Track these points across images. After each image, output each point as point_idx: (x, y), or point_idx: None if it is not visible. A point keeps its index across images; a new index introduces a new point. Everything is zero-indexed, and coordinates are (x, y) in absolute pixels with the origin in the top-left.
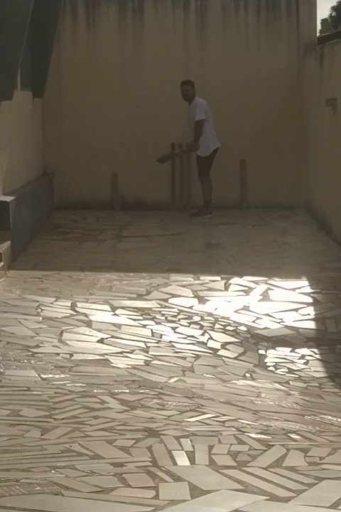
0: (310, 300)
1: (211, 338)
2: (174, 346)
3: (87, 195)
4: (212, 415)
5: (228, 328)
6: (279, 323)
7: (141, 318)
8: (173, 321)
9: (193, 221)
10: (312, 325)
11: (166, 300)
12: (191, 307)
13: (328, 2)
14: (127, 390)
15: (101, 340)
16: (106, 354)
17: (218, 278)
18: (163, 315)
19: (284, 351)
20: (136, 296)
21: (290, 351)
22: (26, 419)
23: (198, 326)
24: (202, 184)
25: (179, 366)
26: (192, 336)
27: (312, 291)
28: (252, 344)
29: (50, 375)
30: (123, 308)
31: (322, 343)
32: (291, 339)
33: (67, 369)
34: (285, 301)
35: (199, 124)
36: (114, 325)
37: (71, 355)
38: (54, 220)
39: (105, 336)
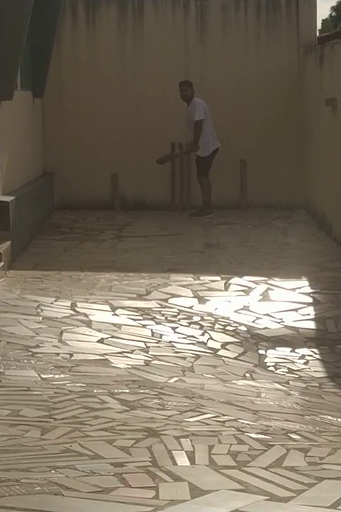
0: (310, 300)
1: (211, 338)
2: (174, 346)
3: (87, 195)
4: (212, 415)
5: (228, 328)
6: (279, 323)
7: (141, 318)
8: (173, 321)
9: (193, 221)
10: (312, 325)
11: (166, 300)
12: (191, 307)
13: (328, 2)
14: (127, 390)
15: (101, 340)
16: (106, 354)
17: (218, 278)
18: (163, 315)
19: (284, 351)
20: (136, 296)
21: (290, 351)
22: (26, 419)
23: (198, 326)
24: (200, 184)
25: (179, 366)
26: (192, 336)
27: (312, 291)
28: (252, 344)
29: (50, 375)
30: (123, 308)
31: (322, 343)
32: (291, 339)
33: (67, 369)
34: (285, 301)
35: (199, 124)
36: (114, 325)
37: (71, 355)
38: (54, 220)
39: (105, 335)
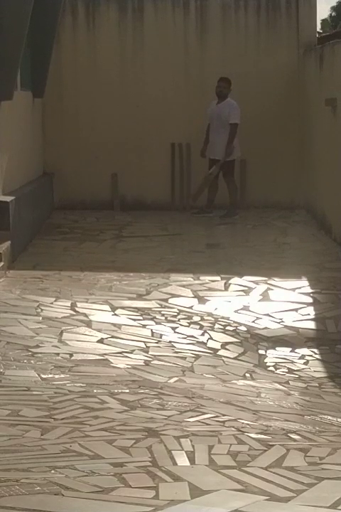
0: (310, 300)
1: (211, 338)
2: (174, 346)
3: (87, 195)
4: (212, 415)
5: (228, 328)
6: (279, 323)
7: (140, 318)
8: (173, 321)
9: (193, 221)
10: (312, 325)
11: (166, 300)
12: (191, 307)
13: (328, 2)
14: (127, 390)
15: (101, 340)
16: (106, 354)
17: (218, 278)
18: (163, 315)
19: (284, 351)
20: (136, 296)
21: (290, 351)
22: (26, 419)
23: (198, 326)
24: (228, 185)
25: (179, 366)
26: (192, 336)
27: (312, 291)
28: (252, 344)
29: (50, 375)
30: (123, 308)
31: (322, 343)
32: (291, 339)
33: (67, 369)
34: (285, 301)
35: (235, 128)
36: (114, 325)
37: (71, 355)
38: (54, 220)
39: (105, 336)
